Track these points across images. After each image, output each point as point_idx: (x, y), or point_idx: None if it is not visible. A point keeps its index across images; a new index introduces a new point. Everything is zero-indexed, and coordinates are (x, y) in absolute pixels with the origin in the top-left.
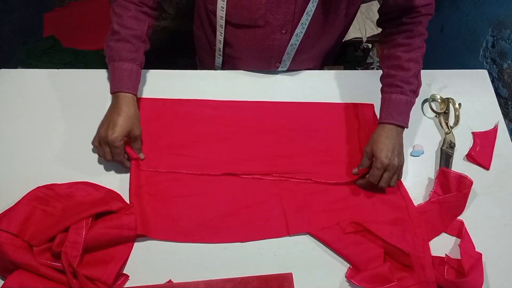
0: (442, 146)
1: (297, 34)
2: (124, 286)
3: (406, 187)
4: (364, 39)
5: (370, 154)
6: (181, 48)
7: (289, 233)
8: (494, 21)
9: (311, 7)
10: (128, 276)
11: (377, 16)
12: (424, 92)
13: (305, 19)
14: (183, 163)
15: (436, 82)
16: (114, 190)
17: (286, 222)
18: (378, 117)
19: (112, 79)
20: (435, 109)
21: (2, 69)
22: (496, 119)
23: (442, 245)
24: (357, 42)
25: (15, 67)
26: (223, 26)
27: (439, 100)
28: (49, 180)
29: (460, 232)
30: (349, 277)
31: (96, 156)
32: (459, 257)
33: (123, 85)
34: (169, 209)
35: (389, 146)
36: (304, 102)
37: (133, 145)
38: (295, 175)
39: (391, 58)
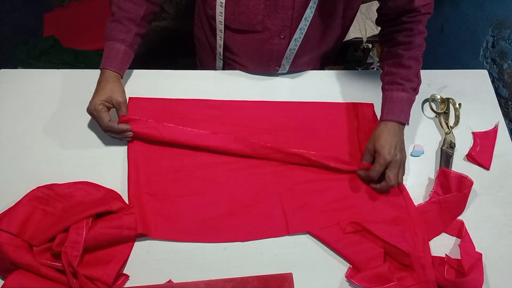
0: (442, 146)
1: (295, 39)
2: (124, 286)
3: (406, 187)
4: (364, 39)
5: (372, 151)
6: (181, 48)
7: (289, 233)
8: (494, 21)
9: (309, 13)
10: (128, 276)
11: (377, 16)
12: (424, 92)
13: (304, 25)
14: (184, 162)
15: (436, 82)
16: (114, 190)
17: (286, 221)
18: (377, 116)
19: (103, 56)
20: (435, 109)
21: (2, 69)
22: (496, 119)
23: (442, 245)
24: (357, 42)
25: (15, 67)
26: (223, 31)
27: (439, 100)
28: (49, 180)
29: (460, 232)
30: (349, 277)
31: (96, 156)
32: (459, 257)
33: (108, 63)
34: (169, 209)
35: (391, 142)
36: (304, 102)
37: (118, 112)
38: (293, 158)
39: (392, 56)
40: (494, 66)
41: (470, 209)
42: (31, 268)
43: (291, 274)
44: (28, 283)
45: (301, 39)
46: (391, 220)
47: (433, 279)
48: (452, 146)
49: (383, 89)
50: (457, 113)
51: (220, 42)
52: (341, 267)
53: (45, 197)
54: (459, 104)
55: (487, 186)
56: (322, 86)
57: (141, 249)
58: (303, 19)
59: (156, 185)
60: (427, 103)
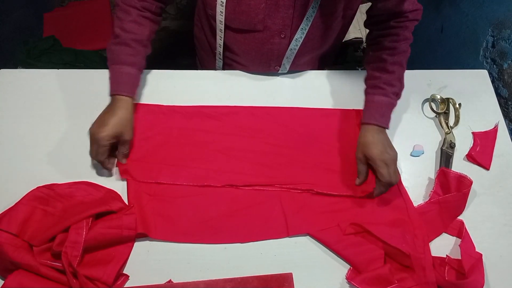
0: (442, 146)
1: (296, 39)
2: (124, 286)
3: (406, 187)
4: (364, 39)
5: (363, 159)
6: (181, 48)
7: (289, 234)
8: (494, 21)
9: (311, 13)
10: (128, 276)
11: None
12: (424, 92)
13: (305, 24)
14: (183, 174)
15: (436, 82)
16: (114, 190)
17: (286, 223)
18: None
19: (111, 81)
20: (435, 109)
21: (2, 69)
22: (496, 119)
23: (443, 246)
24: (357, 42)
25: (15, 67)
26: (223, 31)
27: (439, 100)
28: (49, 180)
29: (460, 232)
30: (349, 278)
31: None
32: (459, 257)
33: (121, 88)
34: (168, 210)
35: (378, 143)
36: (305, 108)
37: (120, 148)
38: (296, 186)
39: (376, 60)
40: (494, 66)
41: (470, 209)
42: (31, 268)
43: (291, 274)
44: (28, 283)
45: (302, 39)
46: (391, 221)
47: (433, 280)
48: (452, 146)
49: (365, 93)
50: (457, 113)
51: (220, 42)
52: (341, 267)
53: (45, 197)
54: (459, 104)
55: (487, 186)
56: (322, 87)
57: (141, 249)
58: (305, 18)
59: (156, 185)
60: (427, 103)
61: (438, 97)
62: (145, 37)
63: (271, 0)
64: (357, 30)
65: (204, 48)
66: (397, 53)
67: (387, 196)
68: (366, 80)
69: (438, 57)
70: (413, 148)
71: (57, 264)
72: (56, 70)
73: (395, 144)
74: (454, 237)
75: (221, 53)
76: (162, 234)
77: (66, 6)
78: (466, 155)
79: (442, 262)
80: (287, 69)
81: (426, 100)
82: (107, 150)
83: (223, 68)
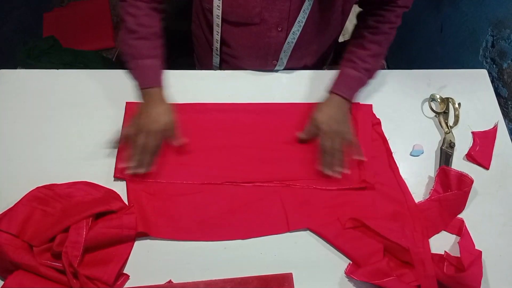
0: (442, 145)
1: (293, 32)
2: (124, 286)
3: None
4: None
5: (314, 120)
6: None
7: (289, 229)
8: (494, 20)
9: (307, 5)
10: (128, 276)
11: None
12: (423, 92)
13: (302, 17)
14: (182, 172)
15: (435, 82)
16: (114, 190)
17: (286, 218)
18: (376, 116)
19: (138, 76)
20: (434, 109)
21: (2, 69)
22: (496, 119)
23: (442, 243)
24: None
25: (15, 67)
26: (220, 25)
27: (438, 100)
28: (49, 180)
29: (460, 230)
30: (348, 272)
31: (96, 156)
32: (459, 255)
33: (151, 81)
34: (169, 208)
35: (328, 113)
36: (303, 103)
37: (172, 137)
38: (295, 183)
39: (356, 37)
40: (494, 65)
41: (470, 208)
42: (31, 268)
43: (291, 274)
44: (28, 284)
45: (299, 32)
46: (390, 215)
47: (432, 275)
48: (451, 145)
49: (340, 65)
50: (456, 112)
51: (217, 37)
52: (342, 267)
53: (45, 197)
54: (459, 104)
55: (487, 185)
56: (321, 86)
57: (141, 249)
58: (301, 11)
59: (156, 184)
60: (427, 102)
61: (438, 96)
62: (158, 29)
63: None
64: None
65: (201, 45)
66: (378, 33)
67: (387, 190)
68: (344, 54)
69: (438, 57)
70: (412, 148)
71: (57, 264)
72: (56, 70)
73: (395, 144)
74: (454, 236)
75: (218, 49)
76: (163, 232)
77: (65, 6)
78: (466, 154)
79: (441, 258)
80: (285, 63)
81: (425, 100)
82: (160, 139)
83: (221, 64)
